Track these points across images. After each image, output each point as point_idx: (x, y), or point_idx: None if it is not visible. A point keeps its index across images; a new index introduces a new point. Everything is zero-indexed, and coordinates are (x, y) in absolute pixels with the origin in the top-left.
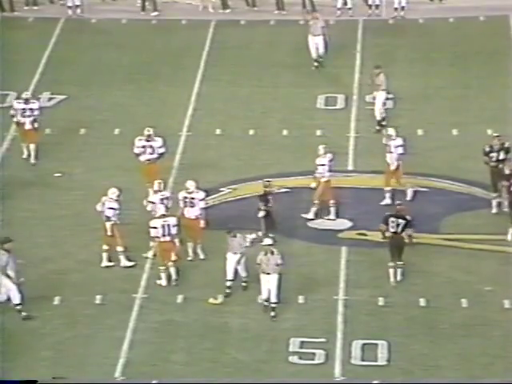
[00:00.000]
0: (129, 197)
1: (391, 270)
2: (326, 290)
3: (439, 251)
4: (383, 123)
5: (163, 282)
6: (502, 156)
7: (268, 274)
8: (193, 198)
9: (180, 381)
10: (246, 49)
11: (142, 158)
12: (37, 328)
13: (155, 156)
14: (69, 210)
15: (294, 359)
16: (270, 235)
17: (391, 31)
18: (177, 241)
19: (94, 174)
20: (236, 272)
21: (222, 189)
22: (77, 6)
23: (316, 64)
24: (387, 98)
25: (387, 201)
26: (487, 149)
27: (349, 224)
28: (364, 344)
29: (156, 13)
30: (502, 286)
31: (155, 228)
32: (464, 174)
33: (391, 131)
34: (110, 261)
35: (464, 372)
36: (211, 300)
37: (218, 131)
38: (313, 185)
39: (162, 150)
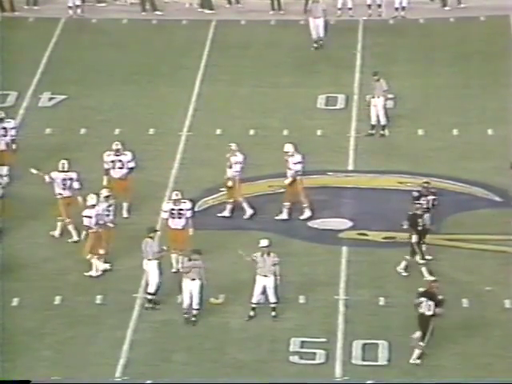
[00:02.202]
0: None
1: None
2: (326, 290)
3: (440, 251)
4: (383, 124)
5: (93, 272)
6: None
7: (265, 276)
8: (181, 209)
9: (180, 381)
10: (247, 49)
11: (113, 173)
12: (37, 328)
13: (125, 171)
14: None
15: (294, 359)
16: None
17: (392, 31)
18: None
19: (95, 175)
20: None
21: (222, 189)
22: (77, 6)
23: (315, 45)
24: (387, 99)
25: (283, 216)
26: None
27: (349, 224)
28: (365, 344)
29: (159, 12)
30: (502, 285)
31: (89, 217)
32: (464, 174)
33: (289, 147)
34: (105, 262)
35: (465, 372)
36: (212, 300)
37: (218, 131)
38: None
39: (131, 165)
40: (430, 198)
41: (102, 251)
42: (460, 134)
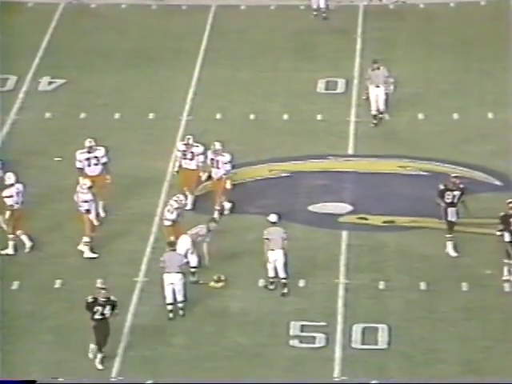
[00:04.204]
0: (129, 181)
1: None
2: (326, 274)
3: (439, 235)
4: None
5: (10, 250)
6: None
7: (272, 250)
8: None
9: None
10: (247, 33)
11: (88, 171)
12: (37, 311)
13: (100, 167)
14: (69, 193)
15: (294, 343)
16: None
17: (392, 16)
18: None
19: None
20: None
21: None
22: None
23: (315, 13)
24: (388, 86)
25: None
26: None
27: (349, 208)
28: (364, 328)
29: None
30: (501, 269)
31: (10, 197)
32: (465, 157)
33: (218, 146)
34: (93, 252)
35: (464, 355)
36: (212, 284)
37: (218, 116)
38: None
39: (104, 160)
40: (457, 193)
41: (87, 239)
42: (460, 118)
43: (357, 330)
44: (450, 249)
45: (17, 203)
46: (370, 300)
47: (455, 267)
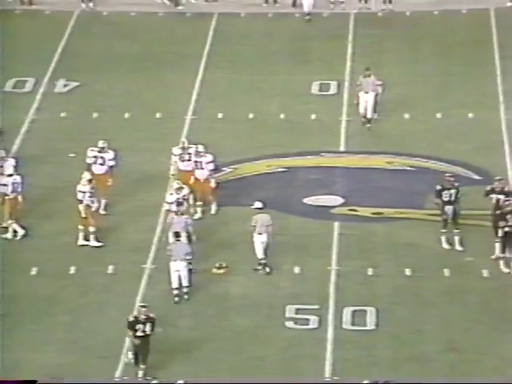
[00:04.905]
0: (138, 176)
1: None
2: (319, 261)
3: (424, 225)
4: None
5: (8, 235)
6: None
7: (260, 234)
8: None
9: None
10: (246, 39)
11: (94, 168)
12: (54, 295)
13: (105, 168)
14: None
15: (289, 324)
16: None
17: (380, 23)
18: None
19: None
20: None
21: (224, 168)
22: (89, 0)
23: (307, 17)
24: (378, 94)
25: (198, 214)
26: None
27: (341, 201)
28: (354, 310)
29: (181, 7)
30: (481, 257)
31: (5, 185)
32: (447, 154)
33: (201, 148)
34: (85, 240)
35: (445, 335)
36: (214, 270)
37: (220, 115)
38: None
39: (112, 163)
40: (453, 191)
41: (92, 228)
42: (443, 118)
43: (347, 312)
44: (443, 242)
45: (12, 192)
46: (359, 285)
47: (438, 255)
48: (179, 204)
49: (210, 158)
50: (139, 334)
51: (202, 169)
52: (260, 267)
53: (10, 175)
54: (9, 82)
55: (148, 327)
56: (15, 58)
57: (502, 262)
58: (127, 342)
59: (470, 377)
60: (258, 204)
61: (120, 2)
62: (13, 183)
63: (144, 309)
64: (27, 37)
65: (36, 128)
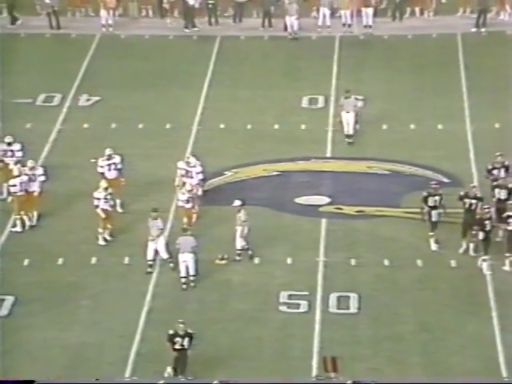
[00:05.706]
0: (150, 179)
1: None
2: (309, 253)
3: (400, 222)
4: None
5: (18, 228)
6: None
7: (240, 226)
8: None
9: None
10: (245, 59)
11: (108, 174)
12: (77, 282)
13: (116, 172)
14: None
15: (283, 308)
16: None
17: (362, 45)
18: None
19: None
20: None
21: (225, 172)
22: (109, 25)
23: (290, 37)
24: (356, 105)
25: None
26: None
27: (328, 200)
28: (339, 296)
29: (196, 29)
30: (449, 249)
31: (14, 186)
32: (420, 160)
33: (192, 159)
34: (105, 241)
35: (419, 318)
36: (217, 261)
37: (222, 126)
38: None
39: (120, 166)
40: (437, 197)
41: (109, 226)
42: (416, 128)
43: (333, 298)
44: (432, 243)
45: (20, 191)
46: (344, 274)
47: (412, 248)
48: (188, 202)
49: (199, 168)
50: (177, 346)
51: (192, 178)
52: (240, 258)
53: (18, 176)
54: (39, 97)
55: (186, 341)
56: (45, 75)
57: (504, 262)
58: (140, 326)
59: (439, 354)
60: (237, 202)
61: (136, 27)
62: (20, 183)
63: (182, 325)
64: (55, 57)
65: (62, 137)
